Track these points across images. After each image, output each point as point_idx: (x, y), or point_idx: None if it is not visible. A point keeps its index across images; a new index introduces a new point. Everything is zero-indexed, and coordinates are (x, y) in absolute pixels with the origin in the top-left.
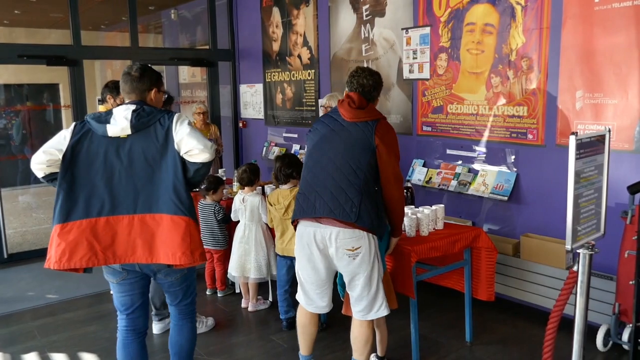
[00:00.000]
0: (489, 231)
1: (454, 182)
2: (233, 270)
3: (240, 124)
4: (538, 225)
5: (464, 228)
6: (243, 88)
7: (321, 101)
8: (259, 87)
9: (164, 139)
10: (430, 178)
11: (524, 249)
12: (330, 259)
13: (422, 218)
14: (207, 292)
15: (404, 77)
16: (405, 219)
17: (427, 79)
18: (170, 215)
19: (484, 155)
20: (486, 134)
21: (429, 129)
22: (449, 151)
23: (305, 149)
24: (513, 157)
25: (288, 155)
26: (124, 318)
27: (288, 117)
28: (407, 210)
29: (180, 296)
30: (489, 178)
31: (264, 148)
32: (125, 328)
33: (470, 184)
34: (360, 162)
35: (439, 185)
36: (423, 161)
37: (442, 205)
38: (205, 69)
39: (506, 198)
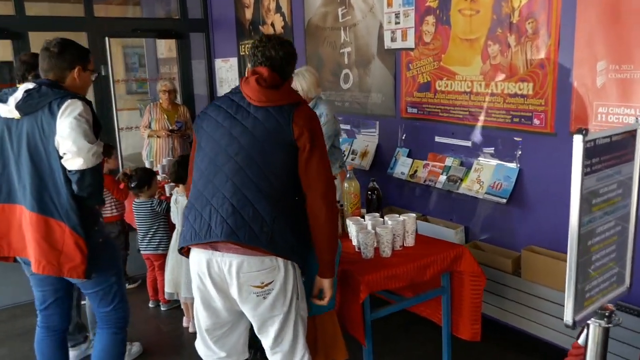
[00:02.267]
0: (485, 240)
1: (442, 178)
2: (166, 285)
3: None
4: (544, 237)
5: (441, 246)
6: (218, 63)
7: None
8: (234, 61)
9: (49, 130)
10: (416, 171)
11: (526, 265)
12: (232, 300)
13: (382, 234)
14: (150, 305)
15: (385, 47)
16: (360, 235)
17: (411, 49)
18: (46, 217)
19: (480, 144)
20: (482, 117)
21: (415, 110)
22: (437, 139)
23: (193, 143)
24: (520, 151)
25: (185, 157)
26: (38, 314)
27: None
28: (368, 219)
29: (96, 301)
30: (485, 174)
31: None
32: (39, 325)
33: (462, 180)
34: (274, 162)
35: (425, 180)
36: (408, 150)
37: (413, 216)
38: (175, 41)
39: (505, 200)
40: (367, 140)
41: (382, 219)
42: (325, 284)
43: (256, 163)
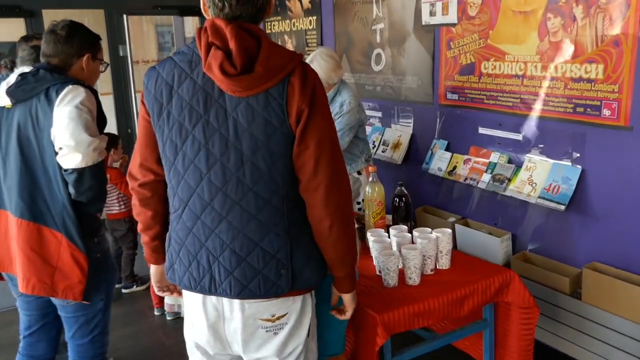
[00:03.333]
0: (536, 251)
1: (486, 176)
2: (167, 297)
3: None
4: (612, 253)
5: (483, 269)
6: None
7: None
8: None
9: (45, 121)
10: (455, 167)
11: (588, 286)
12: (227, 342)
13: (409, 257)
14: (155, 313)
15: (423, 23)
16: (380, 258)
17: (453, 24)
18: (38, 225)
19: (533, 138)
20: (536, 106)
21: (456, 97)
22: (481, 130)
23: (139, 128)
24: (583, 147)
25: None
26: (21, 341)
27: None
28: (393, 234)
29: (73, 328)
30: (538, 174)
31: None
32: (20, 352)
33: (509, 180)
34: (275, 178)
35: (466, 178)
36: (446, 143)
37: (448, 232)
38: (198, 19)
39: (563, 207)
40: (400, 130)
41: (409, 235)
42: (346, 298)
43: (252, 190)
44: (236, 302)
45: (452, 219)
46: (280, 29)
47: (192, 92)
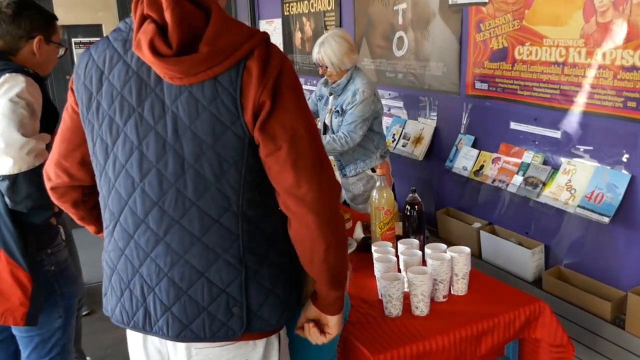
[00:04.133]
0: (572, 267)
1: (518, 179)
2: None
3: None
4: None
5: (506, 297)
6: (262, 25)
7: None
8: (278, 23)
9: None
10: (482, 167)
11: (633, 313)
12: None
13: (415, 284)
14: None
15: (450, 2)
16: (381, 282)
17: (484, 3)
18: None
19: (574, 137)
20: (579, 99)
21: (485, 86)
22: (513, 125)
23: (63, 119)
24: (635, 150)
25: None
26: None
27: (309, 63)
28: (401, 249)
29: (28, 349)
30: (579, 179)
31: None
32: None
33: (544, 185)
34: (225, 190)
35: (494, 180)
36: (473, 138)
37: (467, 252)
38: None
39: (607, 219)
40: (422, 123)
41: (419, 253)
42: (332, 320)
43: (195, 206)
44: (181, 346)
45: (477, 225)
46: (299, 11)
47: (124, 79)
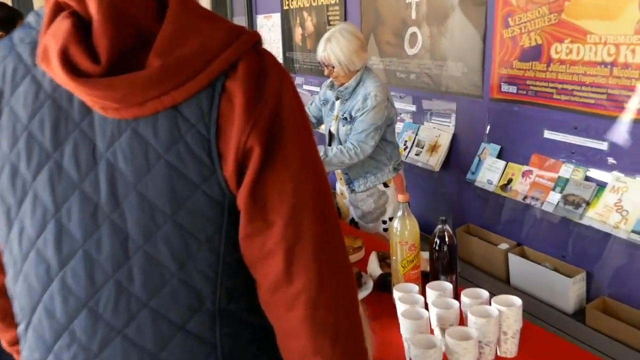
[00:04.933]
0: (619, 297)
1: (554, 196)
2: None
3: None
4: None
5: (567, 352)
6: (260, 20)
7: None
8: (277, 18)
9: None
10: (510, 181)
11: None
12: None
13: (458, 351)
14: None
15: None
16: (413, 350)
17: None
18: None
19: (625, 149)
20: (632, 105)
21: (514, 89)
22: (548, 134)
23: None
24: None
25: None
26: None
27: (309, 61)
28: (431, 299)
29: None
30: (632, 199)
31: None
32: None
33: (588, 204)
34: (194, 244)
35: (526, 197)
36: (499, 148)
37: (518, 305)
38: None
39: None
40: (439, 129)
41: (456, 304)
42: None
43: (148, 308)
44: None
45: (504, 246)
46: (299, 4)
47: (32, 106)
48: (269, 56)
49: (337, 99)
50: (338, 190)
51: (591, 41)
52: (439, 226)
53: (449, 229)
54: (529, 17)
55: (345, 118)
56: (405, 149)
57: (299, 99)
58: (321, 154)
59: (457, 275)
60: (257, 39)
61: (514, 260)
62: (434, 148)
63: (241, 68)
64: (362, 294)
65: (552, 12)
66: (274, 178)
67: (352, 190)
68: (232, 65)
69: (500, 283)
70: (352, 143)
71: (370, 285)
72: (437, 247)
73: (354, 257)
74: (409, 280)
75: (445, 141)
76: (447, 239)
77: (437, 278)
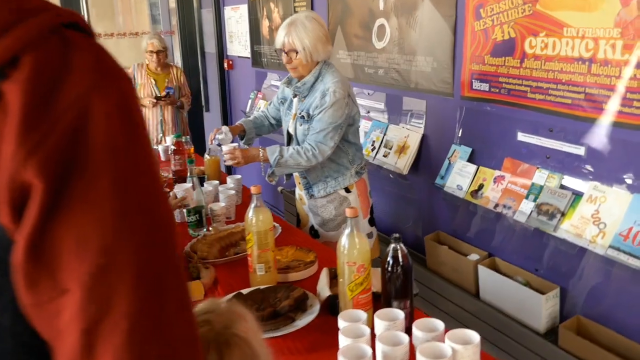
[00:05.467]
0: (595, 318)
1: (527, 205)
2: None
3: (226, 64)
4: None
5: None
6: (227, 12)
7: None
8: (244, 9)
9: None
10: (481, 187)
11: None
12: None
13: None
14: None
15: None
16: None
17: None
18: None
19: (603, 155)
20: (612, 106)
21: (485, 87)
22: (522, 136)
23: None
24: None
25: None
26: None
27: (277, 56)
28: (381, 329)
29: None
30: (610, 210)
31: (249, 101)
32: None
33: (563, 215)
34: None
35: (497, 205)
36: (470, 150)
37: (476, 341)
38: None
39: None
40: (407, 129)
41: (406, 338)
42: None
43: None
44: None
45: (474, 257)
46: None
47: None
48: (86, 47)
49: (295, 96)
50: (297, 196)
51: (568, 35)
52: (392, 245)
53: (404, 248)
54: (501, 8)
55: (303, 117)
56: (372, 150)
57: (129, 112)
58: (276, 154)
59: (411, 300)
60: (59, 21)
61: (484, 272)
62: (402, 149)
63: (27, 64)
64: (306, 320)
65: (527, 3)
66: (69, 227)
67: (311, 196)
68: (10, 61)
69: (469, 296)
70: (309, 144)
71: (316, 308)
72: (389, 269)
73: (304, 273)
74: (358, 306)
75: (414, 142)
76: (401, 259)
77: (389, 303)
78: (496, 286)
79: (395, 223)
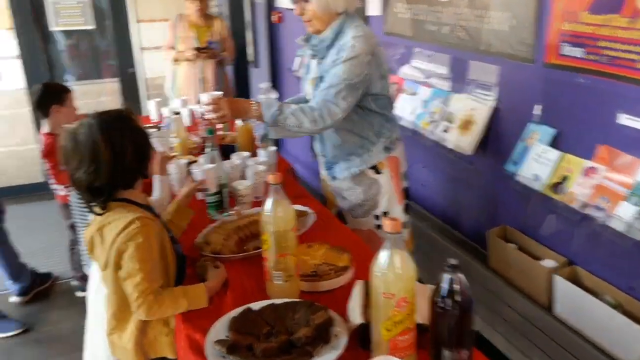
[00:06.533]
0: None
1: (627, 208)
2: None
3: (274, 18)
4: None
5: None
6: None
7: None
8: None
9: None
10: (565, 179)
11: None
12: None
13: None
14: None
15: None
16: None
17: None
18: None
19: None
20: None
21: (579, 52)
22: (625, 119)
23: None
24: None
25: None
26: None
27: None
28: None
29: None
30: None
31: (298, 59)
32: None
33: None
34: None
35: (585, 204)
36: (553, 132)
37: None
38: None
39: None
40: (474, 100)
41: None
42: None
43: None
44: None
45: (549, 263)
46: None
47: None
48: None
49: (314, 57)
50: (321, 175)
51: None
52: (447, 274)
53: (463, 278)
54: None
55: (321, 79)
56: (431, 122)
57: None
58: (273, 109)
59: (471, 351)
60: None
61: (562, 284)
62: (466, 125)
63: None
64: (327, 358)
65: None
66: None
67: (334, 177)
68: None
69: (539, 309)
70: (316, 102)
71: (342, 342)
72: (441, 306)
73: (334, 282)
74: (396, 350)
75: (482, 117)
76: (458, 295)
77: (438, 353)
78: (576, 303)
79: (452, 210)
